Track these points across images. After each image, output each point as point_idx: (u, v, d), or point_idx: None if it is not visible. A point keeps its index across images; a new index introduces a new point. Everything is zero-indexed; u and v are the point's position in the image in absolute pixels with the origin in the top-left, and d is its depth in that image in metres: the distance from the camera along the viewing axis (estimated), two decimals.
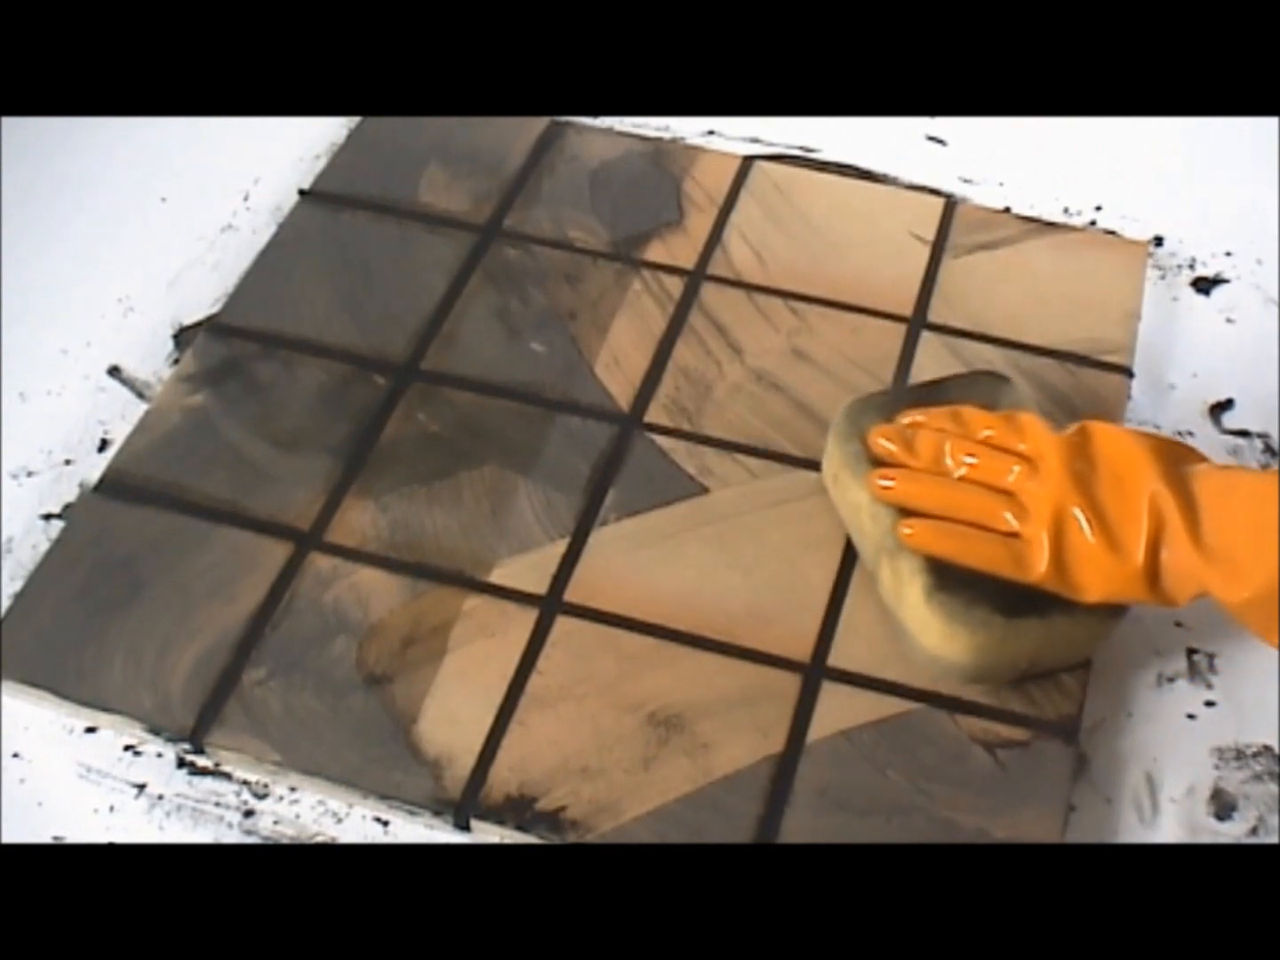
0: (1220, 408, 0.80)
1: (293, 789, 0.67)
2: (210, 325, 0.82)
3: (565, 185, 0.89)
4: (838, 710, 0.68)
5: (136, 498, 0.74)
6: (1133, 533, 0.64)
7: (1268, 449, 0.78)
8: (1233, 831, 0.66)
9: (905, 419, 0.71)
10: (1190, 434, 0.78)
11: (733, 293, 0.83)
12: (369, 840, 0.66)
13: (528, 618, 0.70)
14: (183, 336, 0.82)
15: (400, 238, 0.86)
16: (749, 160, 0.90)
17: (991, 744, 0.67)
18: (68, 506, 0.76)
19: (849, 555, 0.72)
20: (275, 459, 0.76)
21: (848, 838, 0.64)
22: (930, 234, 0.86)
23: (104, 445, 0.78)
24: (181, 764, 0.68)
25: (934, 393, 0.73)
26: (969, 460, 0.68)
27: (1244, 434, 0.79)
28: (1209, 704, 0.69)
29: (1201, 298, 0.85)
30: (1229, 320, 0.84)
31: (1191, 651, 0.71)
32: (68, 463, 0.78)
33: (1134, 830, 0.66)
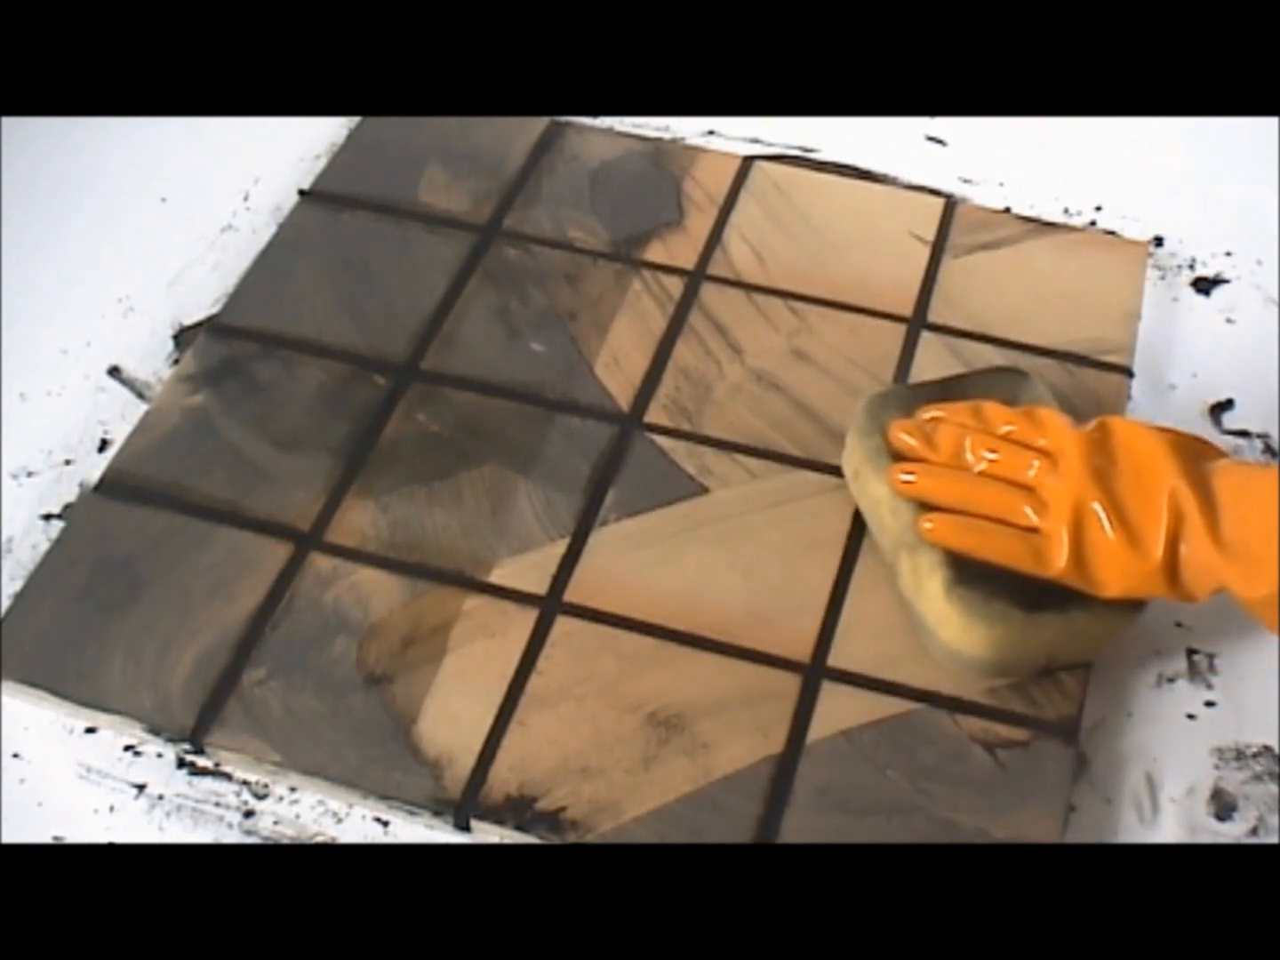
0: (1220, 408, 0.80)
1: (293, 789, 0.67)
2: (210, 325, 0.82)
3: (565, 185, 0.89)
4: (838, 710, 0.68)
5: (136, 498, 0.74)
6: (1152, 528, 0.64)
7: (1268, 449, 0.78)
8: (1233, 832, 0.66)
9: (926, 414, 0.71)
10: None
11: (733, 293, 0.83)
12: (369, 840, 0.66)
13: (528, 618, 0.70)
14: (183, 336, 0.82)
15: (400, 238, 0.86)
16: (749, 160, 0.90)
17: (991, 744, 0.67)
18: (68, 506, 0.76)
19: (849, 555, 0.72)
20: (275, 459, 0.76)
21: (848, 838, 0.64)
22: (930, 234, 0.86)
23: (104, 445, 0.78)
24: (181, 764, 0.68)
25: (954, 388, 0.73)
26: (989, 455, 0.68)
27: (1244, 434, 0.78)
28: (1209, 704, 0.69)
29: (1201, 298, 0.85)
30: (1229, 320, 0.84)
31: (1191, 651, 0.71)
32: (68, 463, 0.78)
33: (1134, 830, 0.66)
